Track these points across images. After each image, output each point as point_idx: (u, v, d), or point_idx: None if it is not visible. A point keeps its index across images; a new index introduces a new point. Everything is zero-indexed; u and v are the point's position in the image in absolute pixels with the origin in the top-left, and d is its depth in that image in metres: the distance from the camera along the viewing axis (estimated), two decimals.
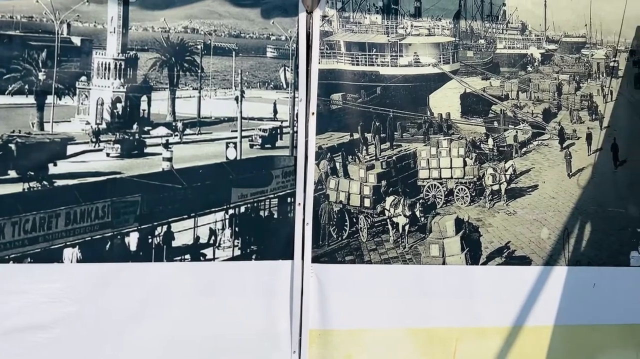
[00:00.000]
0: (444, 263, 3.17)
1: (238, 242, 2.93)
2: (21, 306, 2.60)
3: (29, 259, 2.64)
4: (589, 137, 3.44)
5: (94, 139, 2.79)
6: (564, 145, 3.41)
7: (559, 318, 3.25)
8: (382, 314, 3.07)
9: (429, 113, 3.29)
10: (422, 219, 3.20)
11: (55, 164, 2.71)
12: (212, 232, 2.90)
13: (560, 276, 3.28)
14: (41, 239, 2.66)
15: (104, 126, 2.82)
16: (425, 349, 3.08)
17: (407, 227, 3.17)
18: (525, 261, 3.26)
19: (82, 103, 2.81)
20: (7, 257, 2.59)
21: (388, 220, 3.16)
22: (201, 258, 2.88)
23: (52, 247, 2.67)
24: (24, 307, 2.61)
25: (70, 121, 2.79)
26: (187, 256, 2.85)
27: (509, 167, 3.33)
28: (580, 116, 3.46)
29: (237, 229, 2.93)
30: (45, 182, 2.66)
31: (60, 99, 2.77)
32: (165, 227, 2.83)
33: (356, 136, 3.16)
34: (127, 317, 2.75)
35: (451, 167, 3.28)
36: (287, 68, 3.06)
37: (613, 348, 3.30)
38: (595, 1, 3.48)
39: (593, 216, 3.37)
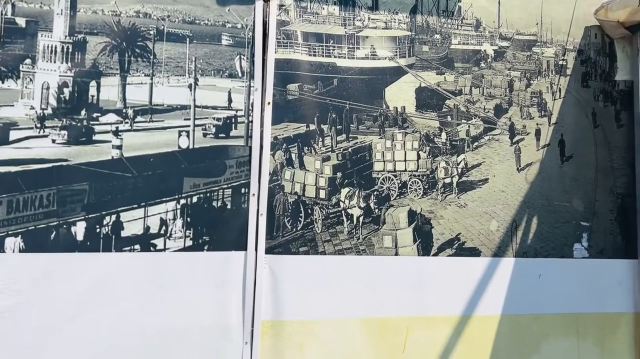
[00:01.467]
0: (396, 254, 3.22)
1: (190, 233, 2.89)
2: None
3: None
4: (537, 133, 3.55)
5: (38, 125, 2.68)
6: (514, 140, 3.50)
7: (505, 307, 3.35)
8: (335, 304, 3.09)
9: (384, 106, 3.32)
10: (376, 210, 3.23)
11: None
12: (163, 222, 2.85)
13: (508, 267, 3.39)
14: None
15: (49, 111, 2.72)
16: (377, 339, 3.13)
17: (361, 219, 3.20)
18: (474, 252, 3.35)
19: (26, 87, 2.69)
20: None
21: (343, 211, 3.18)
22: (151, 248, 2.82)
23: None
24: None
25: (13, 105, 2.68)
26: (137, 246, 2.79)
27: (460, 161, 3.40)
28: (530, 112, 3.57)
29: (189, 219, 2.89)
30: None
31: (2, 82, 2.66)
32: (114, 217, 2.76)
33: (312, 127, 3.16)
34: (74, 308, 2.67)
35: (405, 160, 3.33)
36: (242, 56, 3.02)
37: (556, 336, 3.44)
38: (546, 1, 3.58)
39: (540, 210, 3.48)
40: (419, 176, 3.33)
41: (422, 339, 3.21)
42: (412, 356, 3.17)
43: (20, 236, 2.60)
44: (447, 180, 3.36)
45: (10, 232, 2.59)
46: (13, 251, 2.59)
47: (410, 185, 3.32)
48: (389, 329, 3.16)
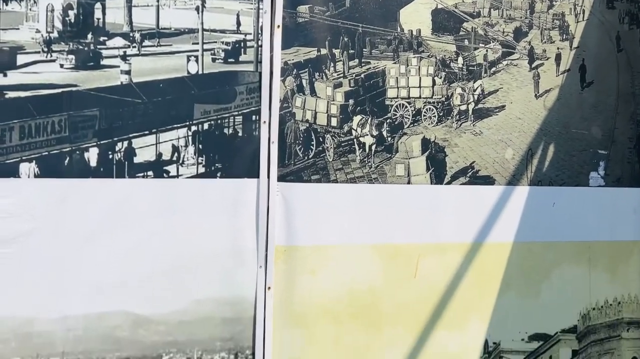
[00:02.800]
0: (409, 183, 3.21)
1: (202, 160, 2.89)
2: None
3: None
4: (558, 58, 3.42)
5: (45, 49, 2.63)
6: (533, 65, 3.39)
7: (518, 235, 3.36)
8: (347, 231, 3.12)
9: (399, 29, 3.20)
10: (389, 139, 3.19)
11: (5, 75, 2.57)
12: (175, 149, 2.84)
13: (522, 195, 3.37)
14: None
15: (55, 34, 2.65)
16: (388, 265, 3.17)
17: (373, 147, 3.17)
18: (488, 180, 3.32)
19: (30, 9, 2.63)
20: None
21: (355, 140, 3.14)
22: (164, 175, 2.83)
23: (7, 161, 2.58)
24: None
25: (18, 29, 2.62)
26: (150, 173, 2.81)
27: (477, 87, 3.30)
28: (550, 36, 3.42)
29: (200, 146, 2.88)
30: None
31: (6, 4, 2.59)
32: (125, 143, 2.75)
33: (323, 51, 3.07)
34: (88, 234, 2.72)
35: (420, 87, 3.24)
36: None
37: (568, 264, 3.46)
38: None
39: (557, 137, 3.42)
40: (433, 102, 3.26)
41: (434, 266, 3.24)
42: (423, 282, 3.22)
43: (34, 161, 2.62)
44: (463, 107, 3.29)
45: (24, 158, 2.61)
46: (28, 176, 2.62)
47: (425, 112, 3.25)
48: (400, 256, 3.20)
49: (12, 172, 2.59)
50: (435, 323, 3.24)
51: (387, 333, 3.15)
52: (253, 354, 2.98)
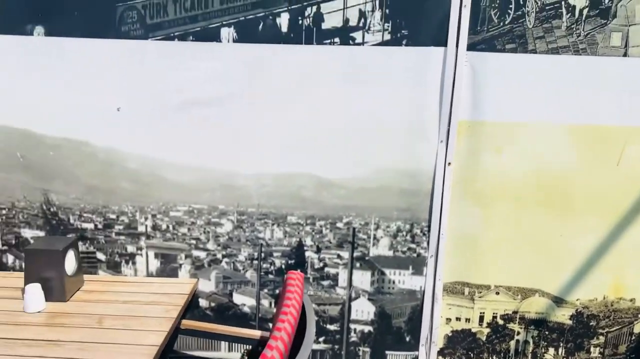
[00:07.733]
0: (625, 55, 2.73)
1: (388, 26, 2.77)
2: (186, 82, 2.83)
3: (190, 38, 2.79)
4: None
5: None
6: None
7: None
8: (541, 108, 2.83)
9: None
10: (606, 1, 2.69)
11: None
12: (362, 14, 2.76)
13: None
14: (200, 18, 2.76)
15: None
16: (586, 147, 2.85)
17: (585, 12, 2.71)
18: None
19: None
20: (172, 35, 2.77)
21: (562, 2, 2.72)
22: (350, 42, 2.80)
23: (210, 26, 2.76)
24: (189, 83, 2.83)
25: None
26: (337, 40, 2.79)
27: None
28: None
29: (387, 11, 2.75)
30: None
31: None
32: (314, 8, 2.74)
33: None
34: (279, 98, 2.87)
35: None
36: None
37: None
38: None
39: None
40: None
41: None
42: (628, 170, 2.85)
43: (232, 26, 2.76)
44: None
45: (224, 23, 2.76)
46: (228, 41, 2.78)
47: None
48: (602, 139, 2.84)
49: (214, 36, 2.78)
50: (635, 217, 2.90)
51: (576, 223, 2.92)
52: (429, 226, 3.01)
